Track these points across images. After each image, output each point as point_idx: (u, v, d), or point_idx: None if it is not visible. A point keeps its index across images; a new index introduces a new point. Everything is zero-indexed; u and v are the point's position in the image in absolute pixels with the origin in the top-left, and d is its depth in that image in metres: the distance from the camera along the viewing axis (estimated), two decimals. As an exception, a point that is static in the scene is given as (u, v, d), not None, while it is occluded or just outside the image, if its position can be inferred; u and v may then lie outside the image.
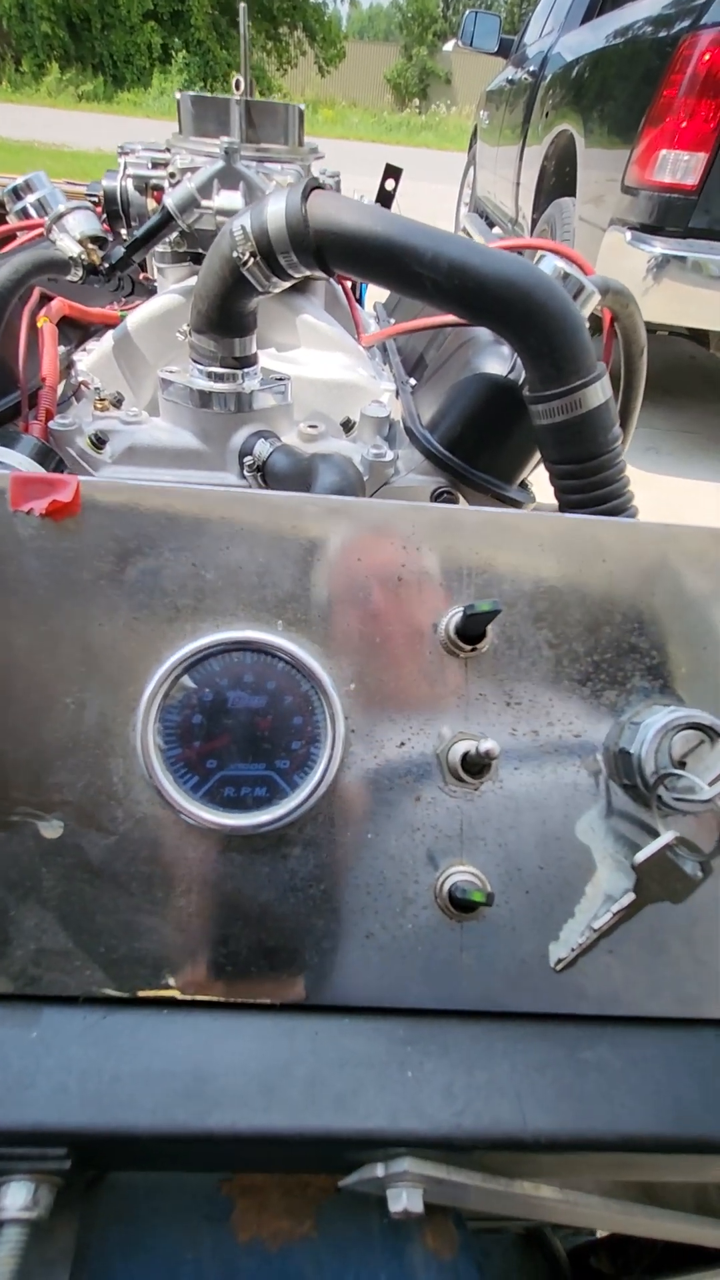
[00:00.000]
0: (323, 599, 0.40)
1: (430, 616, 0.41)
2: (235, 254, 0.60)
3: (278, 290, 0.64)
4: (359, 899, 0.39)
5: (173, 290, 0.79)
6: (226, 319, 0.66)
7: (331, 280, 0.93)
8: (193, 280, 0.79)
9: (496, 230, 5.69)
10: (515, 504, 0.78)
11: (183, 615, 0.39)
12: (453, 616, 0.40)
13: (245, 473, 0.71)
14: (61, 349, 0.87)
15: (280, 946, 0.38)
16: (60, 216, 0.75)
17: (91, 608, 0.38)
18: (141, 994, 0.36)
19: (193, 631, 0.39)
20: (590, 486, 0.62)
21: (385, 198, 1.24)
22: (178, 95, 0.77)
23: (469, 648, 0.41)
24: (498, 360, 0.72)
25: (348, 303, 0.97)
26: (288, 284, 0.64)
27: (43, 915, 0.36)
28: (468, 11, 5.80)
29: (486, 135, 6.03)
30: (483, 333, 0.75)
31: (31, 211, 1.00)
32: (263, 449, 0.70)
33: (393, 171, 1.22)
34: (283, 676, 0.39)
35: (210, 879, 0.38)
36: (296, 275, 0.62)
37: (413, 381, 0.86)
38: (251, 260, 0.60)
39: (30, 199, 1.00)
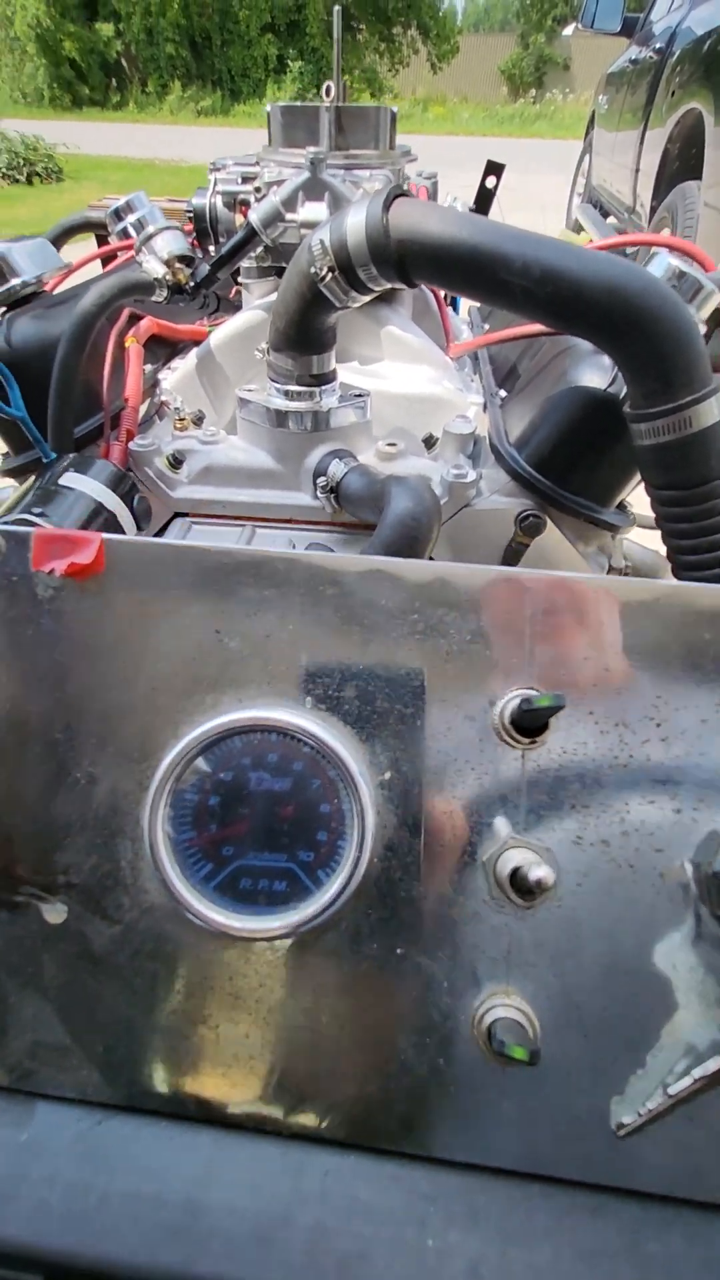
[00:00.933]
0: (358, 673, 0.36)
1: (483, 699, 0.36)
2: (313, 270, 0.57)
3: (357, 305, 0.61)
4: (384, 1023, 0.34)
5: (256, 306, 0.78)
6: (304, 336, 0.64)
7: (422, 287, 0.89)
8: (275, 296, 0.78)
9: (611, 220, 5.41)
10: (611, 528, 0.71)
11: (203, 686, 0.36)
12: (509, 702, 0.35)
13: (319, 494, 0.69)
14: (149, 367, 0.88)
15: (293, 1067, 0.34)
16: (149, 238, 0.76)
17: (109, 675, 0.36)
18: (138, 1104, 0.34)
19: (213, 705, 0.35)
20: (699, 515, 0.55)
21: (485, 196, 1.18)
22: (268, 108, 0.76)
23: (527, 740, 0.35)
24: (597, 372, 0.66)
25: (438, 310, 0.93)
26: (368, 298, 0.61)
27: (42, 1005, 0.34)
28: (591, -8, 5.55)
29: (605, 120, 5.75)
30: (580, 342, 0.68)
31: (131, 231, 1.03)
32: (337, 469, 0.67)
33: (494, 168, 1.15)
34: (309, 760, 0.35)
35: (218, 983, 0.35)
36: (377, 289, 0.58)
37: (503, 394, 0.80)
38: (330, 275, 0.57)
39: (130, 219, 1.02)
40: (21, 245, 0.76)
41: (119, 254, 0.95)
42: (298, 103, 0.74)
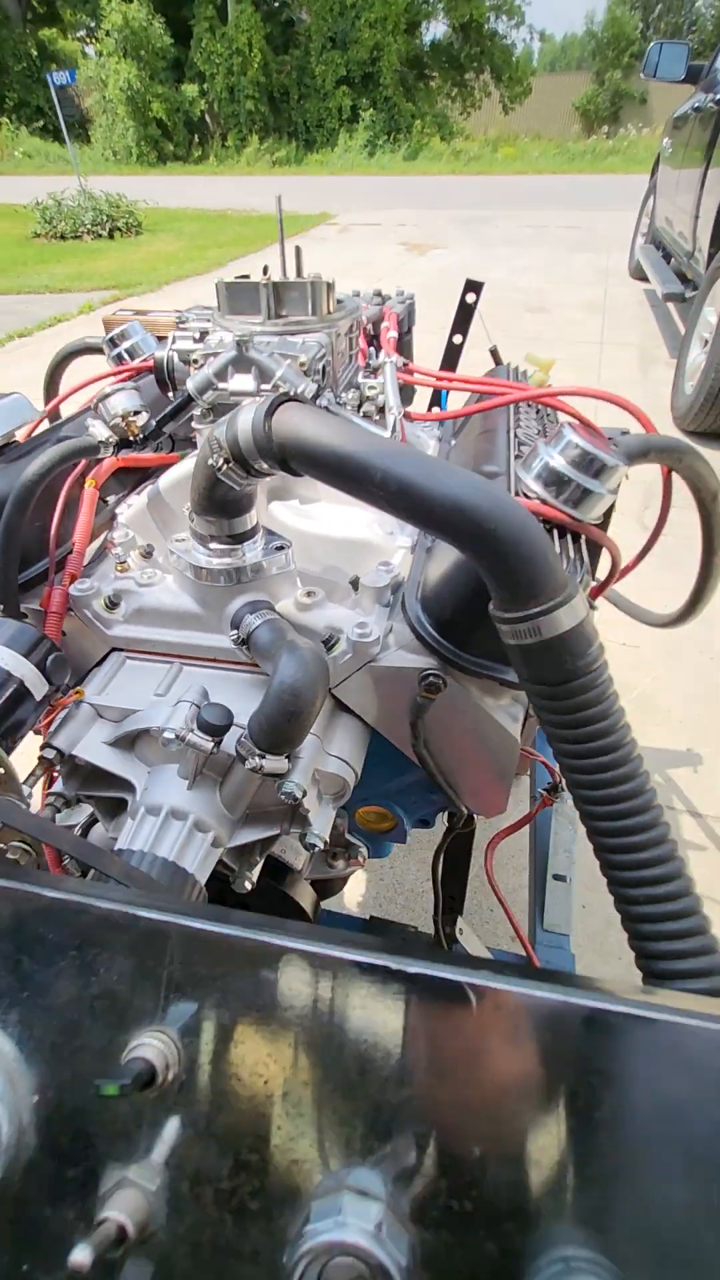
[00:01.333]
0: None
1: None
2: (212, 461, 0.62)
3: (255, 485, 0.65)
4: None
5: (195, 454, 0.84)
6: (218, 506, 0.68)
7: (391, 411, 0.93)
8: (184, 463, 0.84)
9: (673, 263, 5.35)
10: (519, 686, 0.72)
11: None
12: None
13: (235, 643, 0.73)
14: (113, 498, 0.95)
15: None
16: (105, 397, 0.83)
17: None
18: None
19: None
20: (566, 710, 0.55)
21: (465, 312, 1.22)
22: (215, 283, 0.82)
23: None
24: None
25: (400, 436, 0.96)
26: (267, 477, 0.65)
27: None
28: (652, 44, 5.57)
29: (668, 163, 5.73)
30: None
31: (125, 357, 1.12)
32: (250, 622, 0.71)
33: (472, 286, 1.19)
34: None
35: None
36: (271, 474, 0.63)
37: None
38: (225, 465, 0.62)
39: (124, 346, 1.12)
40: None
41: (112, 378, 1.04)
42: (241, 280, 0.80)
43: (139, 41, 18.64)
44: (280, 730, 0.62)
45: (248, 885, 0.75)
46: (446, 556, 0.72)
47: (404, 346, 1.16)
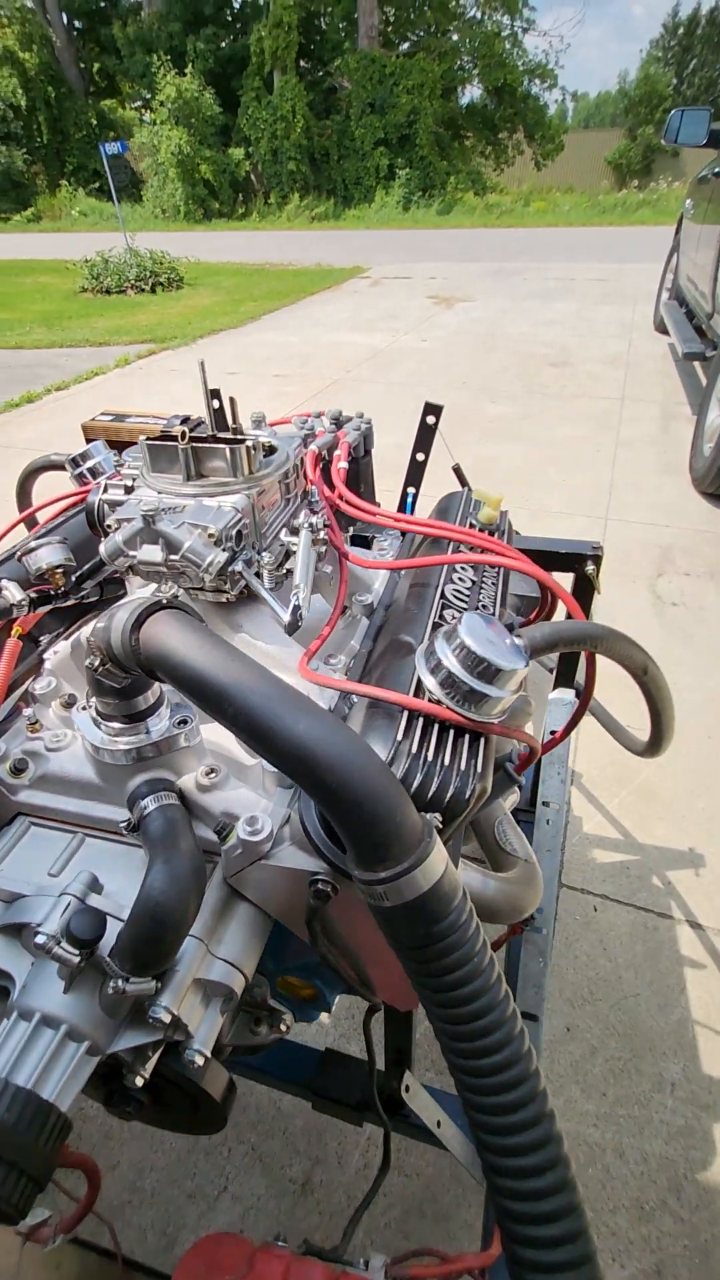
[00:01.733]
0: None
1: None
2: (89, 660, 0.60)
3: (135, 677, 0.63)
4: None
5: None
6: (111, 691, 0.66)
7: (333, 548, 0.91)
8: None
9: (696, 321, 5.35)
10: None
11: None
12: None
13: (126, 829, 0.70)
14: (48, 636, 0.94)
15: None
16: (29, 551, 0.83)
17: None
18: None
19: None
20: (432, 973, 0.50)
21: (426, 432, 1.21)
22: (141, 438, 0.82)
23: None
24: (382, 744, 0.63)
25: (340, 573, 0.93)
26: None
27: None
28: (673, 111, 5.69)
29: (692, 220, 5.80)
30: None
31: (87, 476, 1.13)
32: (143, 807, 0.68)
33: (432, 409, 1.18)
34: None
35: None
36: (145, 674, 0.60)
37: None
38: (102, 667, 0.60)
39: (86, 465, 1.13)
40: None
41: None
42: (162, 441, 0.79)
43: (190, 110, 19.83)
44: (142, 954, 0.58)
45: (139, 1080, 0.71)
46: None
47: (358, 472, 1.14)
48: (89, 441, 1.51)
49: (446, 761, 0.62)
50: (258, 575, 0.80)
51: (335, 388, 5.67)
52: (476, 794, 0.61)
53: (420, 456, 1.23)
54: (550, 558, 1.29)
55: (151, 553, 0.73)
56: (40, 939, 0.61)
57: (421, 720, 0.64)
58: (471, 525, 1.02)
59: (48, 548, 0.83)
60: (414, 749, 0.62)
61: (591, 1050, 1.58)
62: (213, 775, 0.72)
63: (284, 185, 20.71)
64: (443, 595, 0.84)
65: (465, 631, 0.62)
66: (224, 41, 21.86)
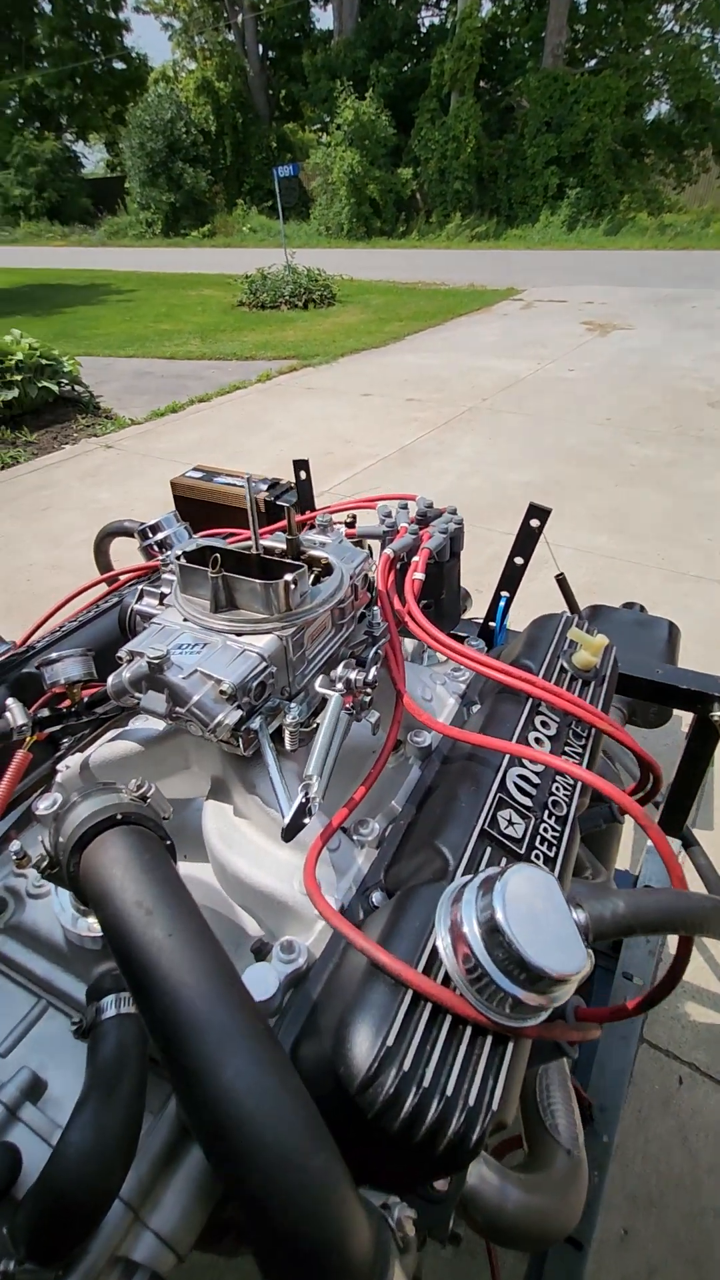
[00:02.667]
0: None
1: None
2: (37, 859, 0.50)
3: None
4: None
5: (122, 736, 0.74)
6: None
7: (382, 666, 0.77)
8: (123, 744, 0.73)
9: None
10: (433, 1199, 0.51)
11: None
12: None
13: (75, 1034, 0.60)
14: (66, 742, 0.88)
15: None
16: (49, 662, 0.75)
17: None
18: None
19: None
20: None
21: (528, 535, 1.03)
22: (176, 560, 0.72)
23: None
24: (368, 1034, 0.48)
25: (392, 719, 0.79)
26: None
27: None
28: None
29: None
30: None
31: (155, 549, 1.07)
32: (100, 1009, 0.58)
33: (537, 512, 1.00)
34: None
35: None
36: None
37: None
38: (48, 871, 0.50)
39: (155, 538, 1.07)
40: None
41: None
42: (196, 566, 0.69)
43: (365, 133, 20.42)
44: (40, 1240, 0.47)
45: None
46: (330, 1010, 0.54)
47: (440, 577, 0.99)
48: (176, 497, 1.47)
49: (454, 1077, 0.46)
50: (278, 734, 0.68)
51: (468, 416, 5.50)
52: (488, 1130, 0.45)
53: (519, 560, 1.05)
54: (666, 692, 1.07)
55: (155, 701, 0.63)
56: None
57: (430, 1005, 0.48)
58: (563, 670, 0.84)
59: (68, 661, 0.75)
60: (412, 1048, 0.46)
61: (649, 1270, 1.31)
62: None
63: (447, 204, 20.75)
64: (503, 785, 0.67)
65: (503, 911, 0.45)
66: (406, 66, 22.30)
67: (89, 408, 6.00)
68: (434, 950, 0.50)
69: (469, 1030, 0.48)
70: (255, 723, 0.65)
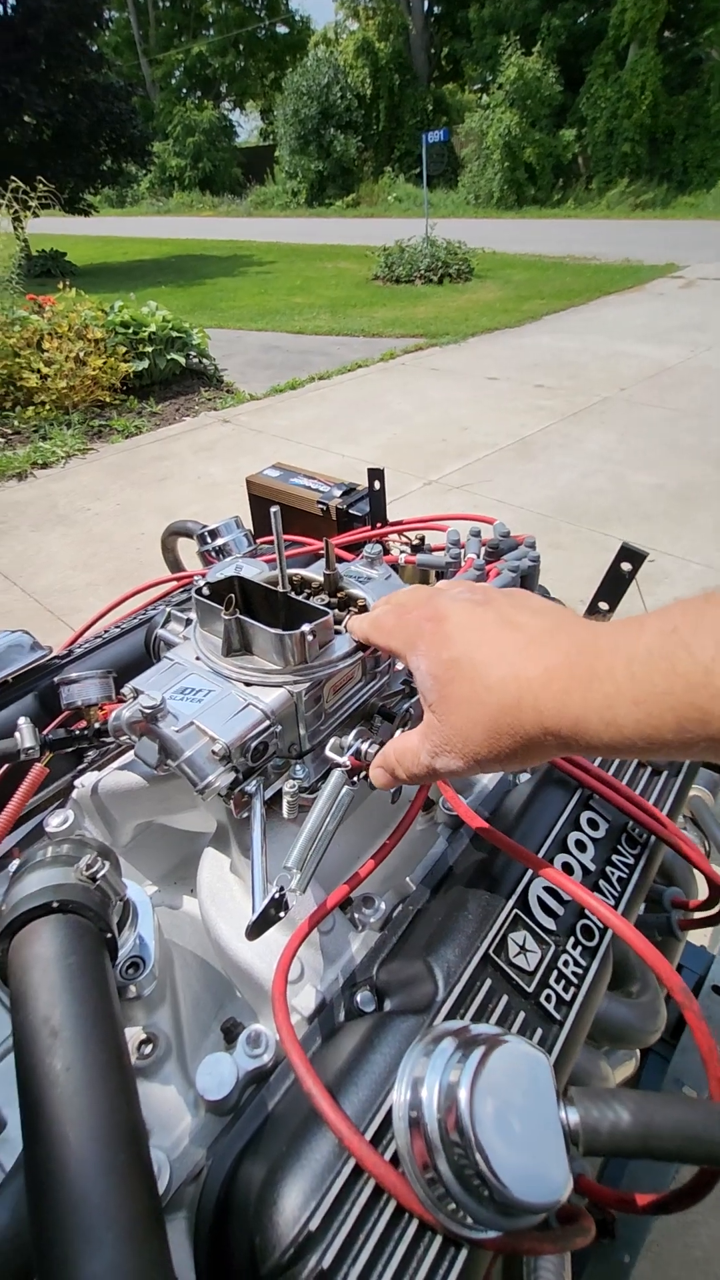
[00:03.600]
0: None
1: None
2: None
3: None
4: None
5: (126, 768, 0.71)
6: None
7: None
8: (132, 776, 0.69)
9: None
10: None
11: None
12: None
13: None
14: (93, 755, 0.86)
15: None
16: (68, 681, 0.74)
17: None
18: None
19: None
20: None
21: (616, 580, 0.89)
22: (194, 591, 0.67)
23: None
24: None
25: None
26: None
27: None
28: None
29: None
30: None
31: (212, 555, 1.04)
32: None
33: (630, 554, 0.86)
34: None
35: None
36: None
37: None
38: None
39: (214, 544, 1.04)
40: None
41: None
42: (210, 603, 0.64)
43: (528, 91, 19.27)
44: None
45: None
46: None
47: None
48: (252, 496, 1.44)
49: (389, 1276, 0.38)
50: (276, 800, 0.61)
51: (601, 408, 5.11)
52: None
53: (604, 606, 0.92)
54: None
55: (147, 750, 0.58)
56: None
57: (372, 1183, 0.41)
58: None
59: (87, 684, 0.73)
60: (339, 1236, 0.39)
61: None
62: (147, 1049, 0.57)
63: (612, 169, 19.22)
64: (523, 899, 0.57)
65: (469, 1105, 0.37)
66: (581, 16, 20.69)
67: (213, 381, 6.18)
68: (389, 1110, 0.43)
69: (414, 1225, 0.40)
70: (251, 785, 0.60)
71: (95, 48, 14.57)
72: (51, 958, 0.40)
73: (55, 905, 0.43)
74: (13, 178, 6.35)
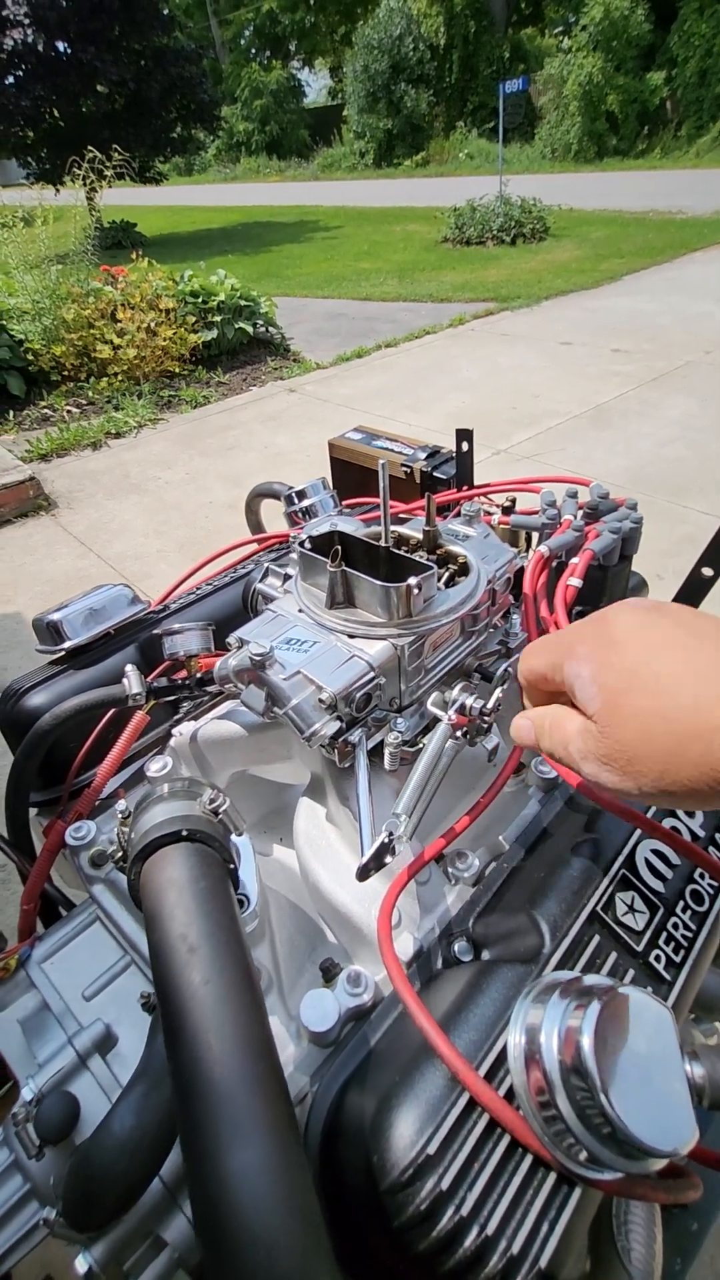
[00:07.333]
0: None
1: None
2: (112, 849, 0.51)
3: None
4: None
5: (223, 716, 0.72)
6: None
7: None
8: (230, 725, 0.71)
9: None
10: None
11: None
12: None
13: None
14: (188, 704, 0.89)
15: None
16: (170, 632, 0.76)
17: None
18: None
19: None
20: None
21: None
22: (298, 546, 0.67)
23: None
24: None
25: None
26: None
27: None
28: None
29: None
30: None
31: (299, 517, 1.05)
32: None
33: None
34: None
35: None
36: None
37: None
38: (120, 864, 0.50)
39: (301, 505, 1.05)
40: (77, 609, 0.83)
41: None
42: (315, 556, 0.64)
43: (614, 32, 18.00)
44: (74, 1213, 0.49)
45: None
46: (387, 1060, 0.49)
47: (603, 582, 0.85)
48: (333, 459, 1.43)
49: (500, 1211, 0.39)
50: (379, 750, 0.62)
51: (683, 372, 4.83)
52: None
53: (708, 572, 0.88)
54: None
55: (254, 697, 0.60)
56: (16, 1110, 0.57)
57: (486, 1118, 0.42)
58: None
59: (188, 634, 0.75)
60: (456, 1163, 0.40)
61: None
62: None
63: (704, 113, 17.83)
64: (630, 860, 0.56)
65: (592, 1047, 0.37)
66: (677, -55, 19.08)
67: (280, 350, 6.16)
68: (504, 1050, 0.44)
69: (528, 1160, 0.41)
70: (354, 735, 0.60)
71: (166, 10, 14.43)
72: (185, 881, 0.43)
73: (185, 834, 0.45)
74: (89, 148, 6.42)
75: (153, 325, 5.38)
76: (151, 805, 0.49)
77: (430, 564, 0.62)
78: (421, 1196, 0.39)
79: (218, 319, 5.74)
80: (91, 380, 5.35)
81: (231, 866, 0.47)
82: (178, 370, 5.54)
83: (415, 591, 0.59)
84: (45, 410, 5.12)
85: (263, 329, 6.12)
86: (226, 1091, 0.34)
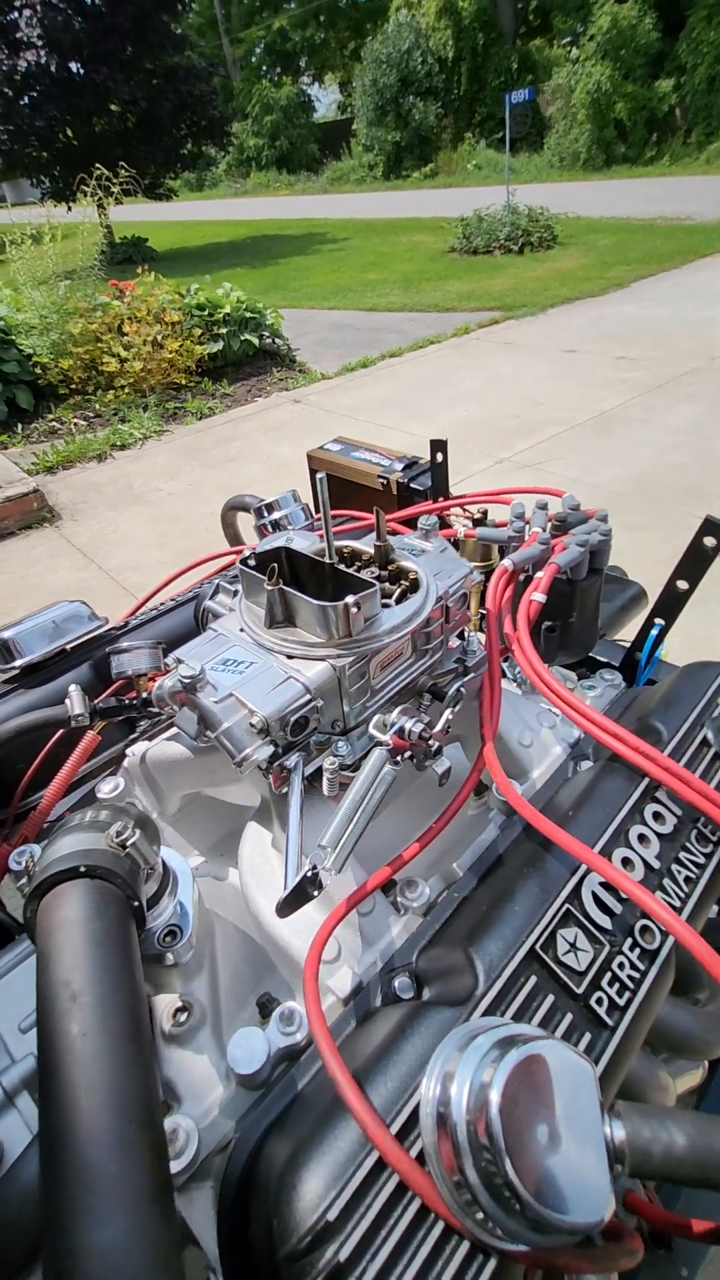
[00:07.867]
0: None
1: None
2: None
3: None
4: None
5: (170, 738, 0.70)
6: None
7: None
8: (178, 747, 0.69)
9: None
10: None
11: None
12: None
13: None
14: (146, 725, 0.87)
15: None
16: (119, 651, 0.74)
17: None
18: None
19: None
20: None
21: (698, 556, 0.82)
22: (239, 564, 0.65)
23: None
24: None
25: (472, 767, 0.68)
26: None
27: None
28: None
29: None
30: None
31: (269, 529, 1.03)
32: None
33: (715, 527, 0.78)
34: None
35: None
36: None
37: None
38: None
39: (271, 517, 1.03)
40: (30, 626, 0.82)
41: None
42: (258, 574, 0.62)
43: (622, 41, 18.05)
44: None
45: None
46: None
47: (571, 597, 0.82)
48: (312, 469, 1.42)
49: (409, 1278, 0.36)
50: (313, 778, 0.60)
51: (689, 380, 4.78)
52: None
53: (682, 585, 0.85)
54: None
55: (187, 720, 0.58)
56: None
57: (396, 1178, 0.39)
58: (706, 743, 0.66)
59: (137, 654, 0.73)
60: (359, 1230, 0.38)
61: None
62: (181, 1018, 0.57)
63: (714, 119, 17.78)
64: (576, 893, 0.53)
65: (498, 1107, 0.34)
66: (685, -47, 19.10)
67: (285, 361, 6.19)
68: (411, 1114, 0.41)
69: (440, 1227, 0.38)
70: (291, 760, 0.58)
71: (179, 30, 14.68)
72: (77, 921, 0.40)
73: (83, 870, 0.43)
74: (97, 165, 6.51)
75: (159, 338, 5.43)
76: (60, 837, 0.47)
77: (371, 581, 0.60)
78: (319, 1268, 0.36)
79: (223, 331, 5.78)
80: (98, 393, 5.40)
81: (135, 904, 0.45)
82: (184, 382, 5.58)
83: (355, 610, 0.57)
84: (53, 423, 5.17)
85: (269, 340, 6.16)
86: (92, 1158, 0.32)
